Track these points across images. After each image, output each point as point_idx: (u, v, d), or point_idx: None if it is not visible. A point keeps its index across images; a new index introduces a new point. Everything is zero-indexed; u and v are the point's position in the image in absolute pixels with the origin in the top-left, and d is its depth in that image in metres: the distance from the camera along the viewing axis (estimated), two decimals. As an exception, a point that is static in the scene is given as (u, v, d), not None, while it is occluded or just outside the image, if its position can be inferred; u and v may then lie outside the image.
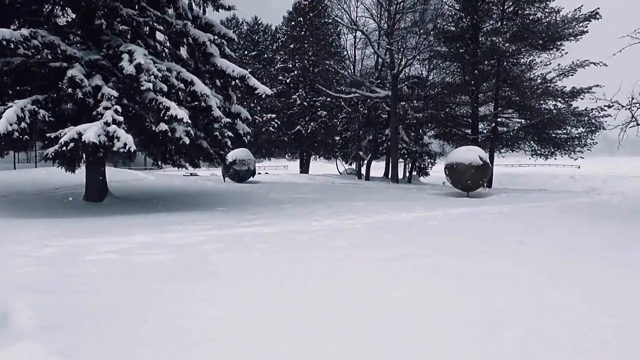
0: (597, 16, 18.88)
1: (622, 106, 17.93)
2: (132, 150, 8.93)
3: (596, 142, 22.53)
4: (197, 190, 16.06)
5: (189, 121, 9.85)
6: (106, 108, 9.30)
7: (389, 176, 23.27)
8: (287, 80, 32.72)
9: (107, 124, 8.99)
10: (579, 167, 71.01)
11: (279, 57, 33.83)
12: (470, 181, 14.50)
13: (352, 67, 26.52)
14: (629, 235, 6.49)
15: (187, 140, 10.15)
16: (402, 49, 21.31)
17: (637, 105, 16.04)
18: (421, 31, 20.87)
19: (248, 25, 39.55)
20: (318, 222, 7.46)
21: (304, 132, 32.15)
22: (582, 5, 18.67)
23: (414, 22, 21.59)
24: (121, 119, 9.18)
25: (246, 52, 35.54)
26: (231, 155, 21.58)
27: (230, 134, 12.26)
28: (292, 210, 10.05)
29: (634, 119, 10.34)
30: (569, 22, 19.37)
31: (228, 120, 11.92)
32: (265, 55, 36.44)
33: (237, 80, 12.43)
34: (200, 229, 6.63)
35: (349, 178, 26.73)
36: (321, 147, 34.13)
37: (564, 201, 12.93)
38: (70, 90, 9.15)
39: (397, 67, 21.55)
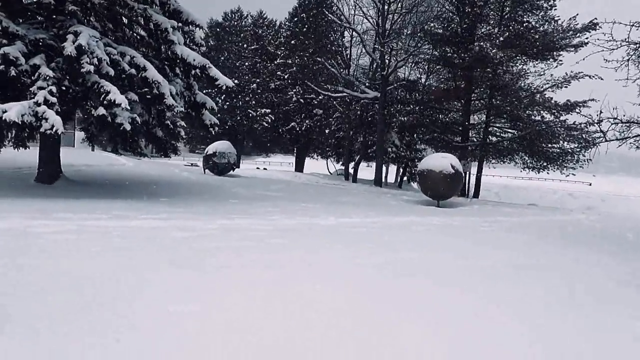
0: (596, 27, 18.08)
1: (612, 121, 17.27)
2: (60, 133, 8.62)
3: (590, 159, 21.72)
4: (165, 180, 15.72)
5: (128, 107, 9.48)
6: (40, 88, 9.00)
7: (373, 179, 22.74)
8: (286, 76, 32.33)
9: (37, 104, 8.69)
10: (590, 185, 69.79)
11: (279, 53, 33.46)
12: (440, 190, 13.95)
13: (345, 66, 25.97)
14: (550, 256, 5.95)
15: (128, 127, 9.81)
16: (390, 50, 20.73)
17: (611, 119, 15.38)
18: (408, 32, 20.31)
19: (252, 18, 39.28)
20: (232, 220, 7.04)
21: (298, 129, 31.73)
22: (577, 14, 17.91)
23: (403, 22, 21.00)
24: (54, 99, 8.86)
25: (245, 46, 35.17)
26: (212, 148, 21.30)
27: (183, 123, 11.87)
28: (233, 207, 9.64)
29: (602, 134, 9.74)
30: (564, 32, 18.62)
31: (182, 109, 11.56)
32: (269, 49, 36.04)
33: (197, 70, 12.08)
34: (95, 217, 6.26)
35: (336, 179, 26.25)
36: (316, 146, 33.70)
37: (532, 217, 12.36)
38: (2, 67, 8.84)
39: (387, 69, 20.99)
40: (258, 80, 33.54)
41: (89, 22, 11.29)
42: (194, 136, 35.31)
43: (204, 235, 5.49)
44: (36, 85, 9.01)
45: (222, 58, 36.06)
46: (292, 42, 32.34)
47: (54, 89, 9.01)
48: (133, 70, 10.60)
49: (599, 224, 11.53)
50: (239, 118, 32.94)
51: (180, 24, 12.58)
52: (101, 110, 9.48)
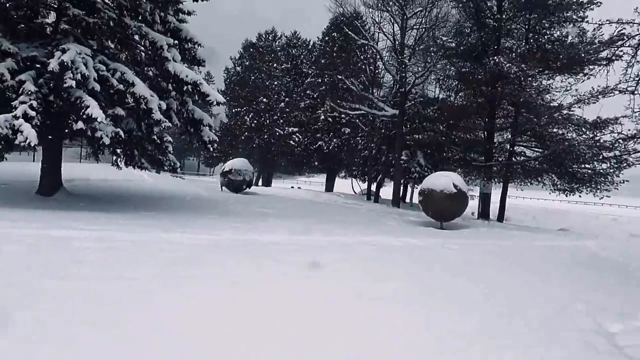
0: (624, 37, 16.81)
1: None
2: (33, 145, 8.87)
3: (627, 180, 20.19)
4: (169, 196, 15.93)
5: (104, 122, 9.66)
6: (22, 102, 9.34)
7: (391, 199, 22.11)
8: (315, 95, 32.42)
9: (15, 117, 9.01)
10: (646, 209, 64.98)
11: (310, 72, 33.69)
12: (442, 210, 13.29)
13: (369, 84, 25.66)
14: (488, 283, 5.36)
15: (107, 141, 9.99)
16: (406, 66, 20.25)
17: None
18: (421, 47, 19.76)
19: (287, 38, 39.91)
20: (168, 234, 6.88)
21: (325, 148, 31.58)
22: (601, 23, 16.66)
23: (422, 38, 20.50)
24: (33, 113, 9.16)
25: (276, 65, 35.63)
26: (228, 165, 21.50)
27: (170, 139, 11.97)
28: (202, 221, 9.50)
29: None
30: (590, 45, 17.40)
31: (169, 124, 11.67)
32: (302, 70, 36.42)
33: (189, 86, 12.23)
34: (56, 225, 6.35)
35: (357, 199, 25.79)
36: (344, 165, 33.41)
37: (539, 242, 11.48)
38: (-11, 83, 9.27)
39: (405, 86, 20.52)
40: (287, 99, 33.84)
41: (86, 40, 11.66)
42: (225, 153, 35.88)
43: (111, 247, 5.36)
44: (19, 100, 9.35)
45: (253, 77, 36.73)
46: (323, 61, 32.53)
47: (34, 103, 9.31)
48: (121, 86, 10.86)
49: (608, 252, 10.52)
50: (266, 137, 33.26)
51: (176, 41, 12.86)
52: (80, 125, 9.69)
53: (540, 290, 5.11)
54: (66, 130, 10.53)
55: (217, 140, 14.34)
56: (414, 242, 8.49)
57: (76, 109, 9.84)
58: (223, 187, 21.67)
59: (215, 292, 3.95)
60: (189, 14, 13.04)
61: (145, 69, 12.86)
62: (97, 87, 10.26)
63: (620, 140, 17.47)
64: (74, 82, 9.61)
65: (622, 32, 15.85)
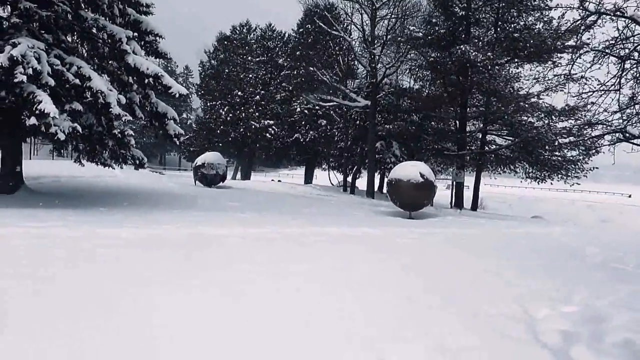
0: (590, 27, 16.93)
1: (608, 125, 16.14)
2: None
3: (595, 167, 20.47)
4: (137, 191, 15.71)
5: (59, 117, 9.43)
6: (-32, 99, 9.08)
7: (366, 189, 22.12)
8: (290, 87, 32.20)
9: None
10: (630, 196, 66.22)
11: (286, 64, 33.40)
12: (409, 199, 13.33)
13: (342, 75, 25.56)
14: (418, 263, 5.36)
15: (62, 137, 9.76)
16: (378, 57, 20.20)
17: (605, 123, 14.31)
18: (389, 37, 19.71)
19: (261, 30, 39.46)
20: (135, 229, 6.77)
21: (302, 140, 31.44)
22: (565, 12, 16.73)
23: (390, 27, 20.45)
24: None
25: (250, 58, 35.25)
26: (201, 159, 21.29)
27: (132, 133, 11.75)
28: (157, 216, 9.31)
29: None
30: (556, 32, 17.47)
31: (129, 118, 11.47)
32: (278, 62, 36.07)
33: (150, 79, 12.03)
34: None
35: (334, 190, 25.77)
36: (322, 157, 33.34)
37: (502, 230, 11.59)
38: None
39: (377, 77, 20.48)
40: (263, 92, 33.56)
41: (42, 35, 11.36)
42: (202, 147, 35.52)
43: (41, 244, 5.23)
44: (-35, 96, 9.08)
45: (227, 70, 36.28)
46: (297, 53, 32.28)
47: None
48: (77, 81, 10.60)
49: (569, 238, 10.64)
50: (242, 130, 32.98)
51: (136, 34, 12.61)
52: (33, 120, 9.44)
53: (479, 277, 5.12)
54: (20, 127, 10.24)
55: (183, 133, 14.16)
56: (372, 232, 8.48)
57: (29, 104, 9.60)
58: (197, 182, 21.47)
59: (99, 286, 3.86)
60: (147, 6, 12.75)
61: (106, 62, 12.58)
62: (52, 82, 9.98)
63: (579, 127, 17.62)
64: (25, 77, 9.36)
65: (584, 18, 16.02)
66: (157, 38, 13.38)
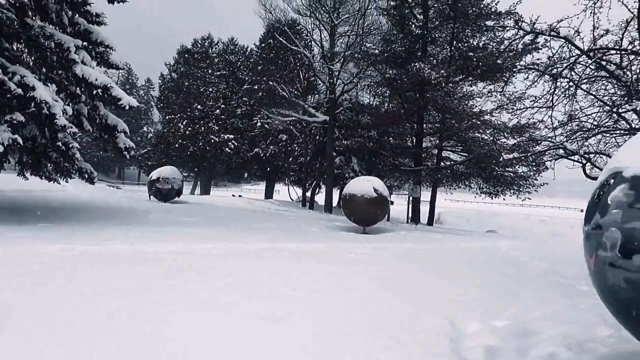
0: (537, 49, 17.58)
1: (552, 142, 16.72)
2: None
3: (545, 183, 21.21)
4: (93, 206, 15.20)
5: (-3, 127, 9.03)
6: None
7: (324, 204, 22.15)
8: (251, 102, 32.09)
9: None
10: (582, 211, 68.89)
11: (247, 79, 33.30)
12: (363, 214, 13.38)
13: (302, 90, 25.69)
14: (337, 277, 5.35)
15: (0, 148, 9.33)
16: (337, 73, 20.45)
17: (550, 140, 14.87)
18: (347, 53, 20.06)
19: (223, 44, 39.30)
20: (71, 245, 6.47)
21: (262, 155, 31.27)
22: (518, 33, 17.40)
23: (350, 44, 20.80)
24: None
25: (211, 72, 35.00)
26: (155, 173, 20.77)
27: (77, 145, 11.36)
28: (112, 232, 9.02)
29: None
30: (507, 52, 18.17)
31: (75, 129, 11.10)
32: (239, 76, 35.92)
33: (99, 90, 11.70)
34: None
35: (293, 206, 25.67)
36: (283, 172, 33.26)
37: (453, 244, 11.75)
38: None
39: (335, 92, 20.70)
40: (223, 106, 33.29)
41: (-18, 42, 10.91)
42: (160, 161, 34.83)
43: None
44: None
45: (187, 84, 35.83)
46: (259, 67, 32.26)
47: None
48: (20, 90, 10.19)
49: (517, 252, 10.88)
50: (201, 144, 32.54)
51: (85, 44, 12.31)
52: (-33, 131, 8.99)
53: (417, 292, 5.12)
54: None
55: (134, 146, 13.80)
56: (320, 248, 8.42)
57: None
58: (151, 197, 20.92)
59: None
60: (97, 16, 12.47)
61: (54, 72, 12.18)
62: (-8, 92, 9.59)
63: (524, 143, 18.23)
64: (-39, 85, 8.95)
65: (535, 42, 16.70)
66: (108, 49, 13.07)
